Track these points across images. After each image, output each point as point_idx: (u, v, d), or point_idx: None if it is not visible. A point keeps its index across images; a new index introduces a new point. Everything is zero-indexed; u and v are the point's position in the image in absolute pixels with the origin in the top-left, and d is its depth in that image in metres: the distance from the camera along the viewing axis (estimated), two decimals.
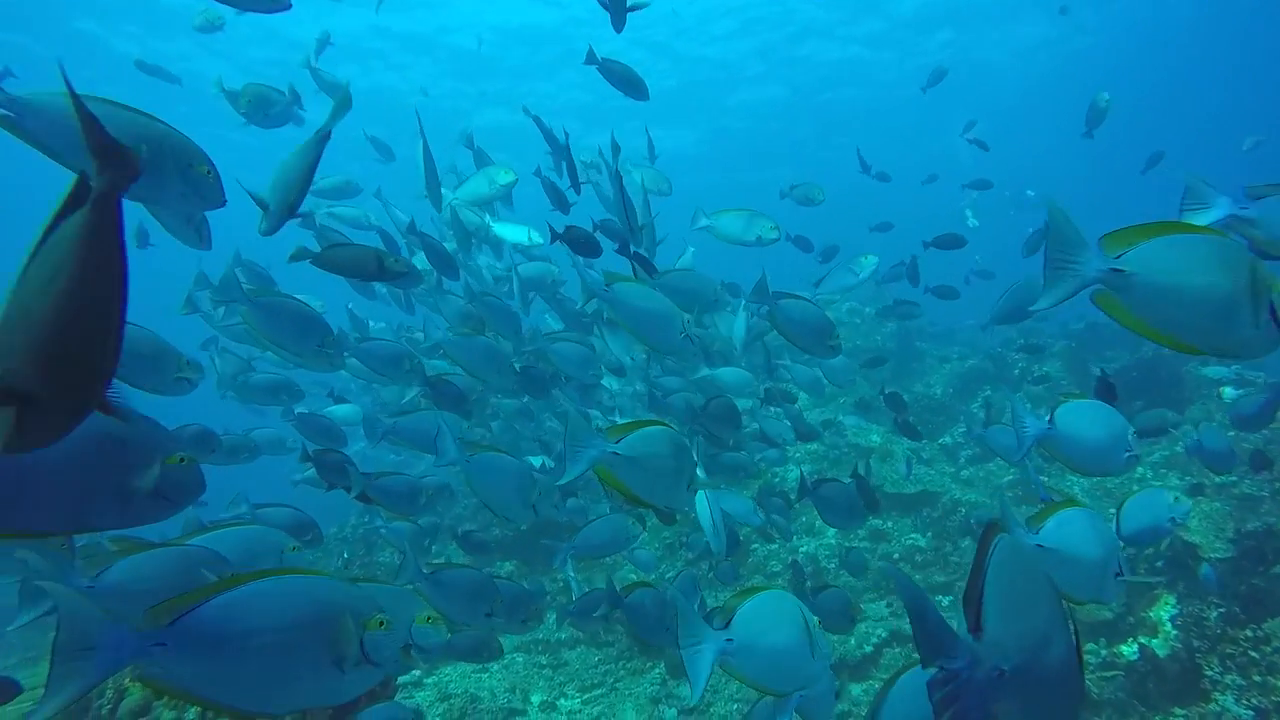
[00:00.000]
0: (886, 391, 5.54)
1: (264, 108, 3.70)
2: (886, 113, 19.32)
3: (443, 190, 4.48)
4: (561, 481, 2.15)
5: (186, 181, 1.89)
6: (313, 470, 3.54)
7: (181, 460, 1.52)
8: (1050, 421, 2.19)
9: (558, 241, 3.22)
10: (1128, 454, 2.20)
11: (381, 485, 2.86)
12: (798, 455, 7.06)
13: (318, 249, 2.93)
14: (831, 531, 6.46)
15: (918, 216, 8.87)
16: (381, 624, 1.42)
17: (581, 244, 3.11)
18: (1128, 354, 8.24)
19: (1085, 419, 2.20)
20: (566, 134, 4.36)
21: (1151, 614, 4.06)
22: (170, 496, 1.48)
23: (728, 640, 1.82)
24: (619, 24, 3.81)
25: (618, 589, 2.94)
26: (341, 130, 2.54)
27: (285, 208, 2.23)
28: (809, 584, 3.57)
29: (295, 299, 3.01)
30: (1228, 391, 7.26)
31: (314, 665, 1.36)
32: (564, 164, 4.24)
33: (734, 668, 1.85)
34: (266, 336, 2.90)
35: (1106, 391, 3.25)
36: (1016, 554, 1.25)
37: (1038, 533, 1.86)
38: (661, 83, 17.60)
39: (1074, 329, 8.98)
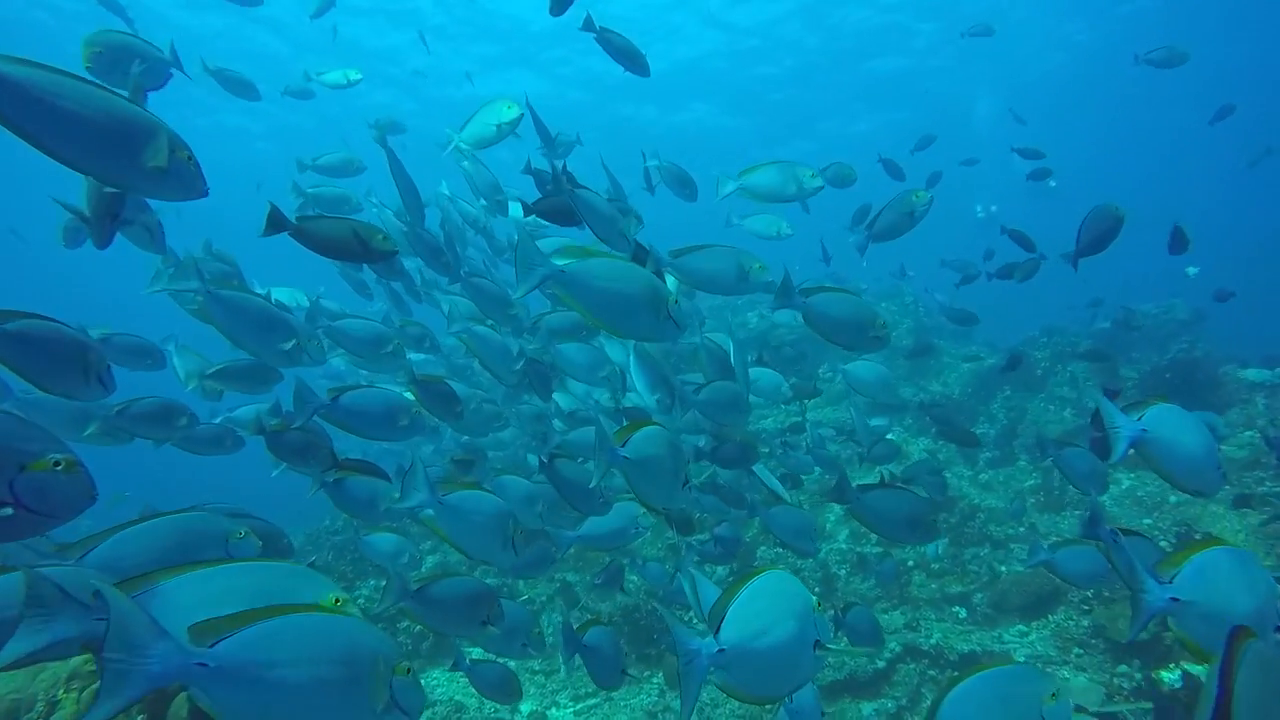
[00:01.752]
0: (925, 402, 5.18)
1: (119, 63, 2.84)
2: (913, 81, 18.70)
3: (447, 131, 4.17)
4: (592, 485, 2.12)
5: (169, 170, 1.78)
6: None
7: (57, 465, 1.24)
8: (1141, 423, 1.91)
9: (531, 214, 2.89)
10: (1220, 470, 1.91)
11: (341, 487, 2.53)
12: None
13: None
14: (843, 534, 6.15)
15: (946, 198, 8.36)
16: (408, 670, 1.41)
17: (556, 214, 2.77)
18: (1156, 354, 7.87)
19: (1180, 425, 1.94)
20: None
21: None
22: (35, 507, 1.20)
23: (719, 651, 1.55)
24: (558, 9, 3.50)
25: (574, 627, 2.66)
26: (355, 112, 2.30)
27: (106, 216, 1.94)
28: (819, 595, 3.20)
29: (260, 296, 2.74)
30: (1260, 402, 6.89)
31: (349, 704, 1.34)
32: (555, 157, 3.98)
33: (729, 684, 1.59)
34: (225, 333, 2.63)
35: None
36: (1273, 668, 0.95)
37: (1171, 581, 1.54)
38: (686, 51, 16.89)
39: (1100, 328, 8.60)
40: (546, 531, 3.35)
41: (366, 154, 6.11)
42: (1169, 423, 1.94)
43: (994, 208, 15.66)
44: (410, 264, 4.62)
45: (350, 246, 2.69)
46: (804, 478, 5.95)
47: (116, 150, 1.70)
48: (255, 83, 6.27)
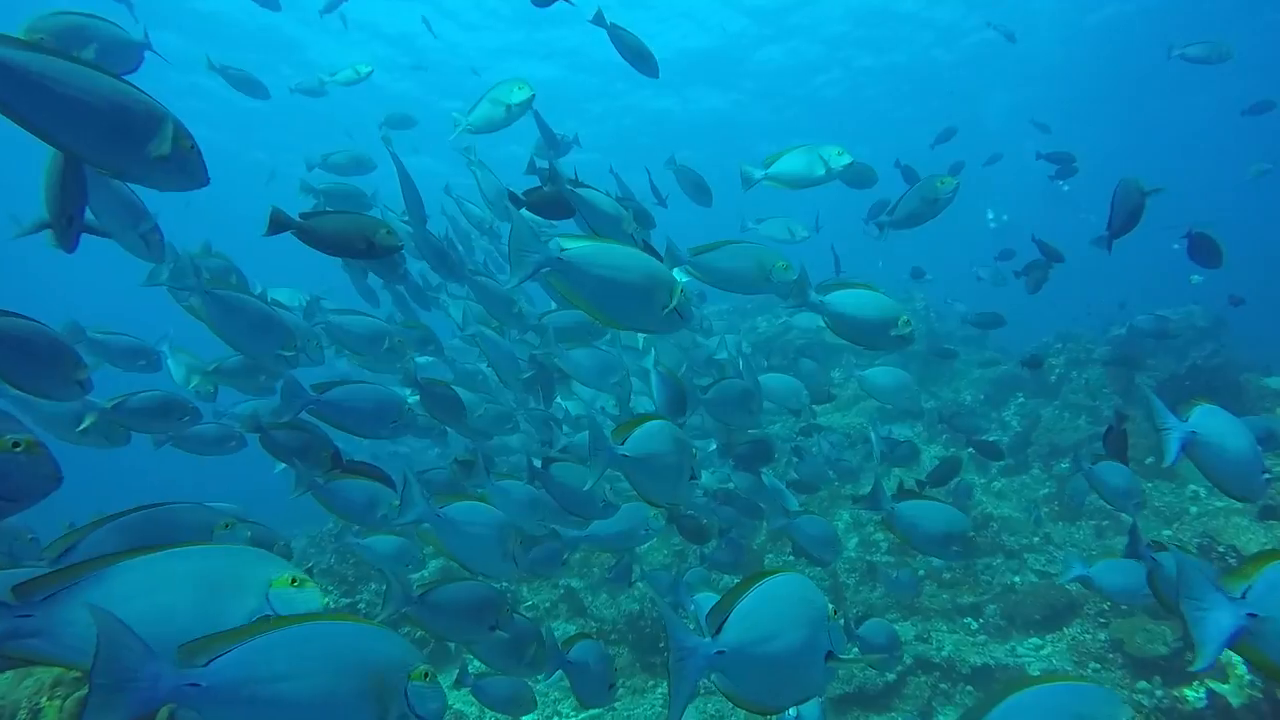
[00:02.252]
0: (945, 411, 5.02)
1: (68, 48, 2.33)
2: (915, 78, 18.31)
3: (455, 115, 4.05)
4: (586, 488, 2.05)
5: (171, 158, 1.74)
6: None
7: (16, 446, 1.17)
8: (1189, 424, 1.84)
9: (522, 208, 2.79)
10: (1266, 475, 1.82)
11: (335, 489, 2.44)
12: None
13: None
14: (853, 542, 6.04)
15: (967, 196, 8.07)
16: (426, 675, 1.34)
17: (548, 207, 2.66)
18: (1174, 361, 7.71)
19: (1226, 427, 1.87)
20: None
21: None
22: None
23: (718, 653, 1.46)
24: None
25: (559, 643, 2.51)
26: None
27: (61, 217, 1.89)
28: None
29: (256, 297, 2.66)
30: None
31: (359, 718, 1.27)
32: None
33: (728, 689, 1.50)
34: (220, 334, 2.56)
35: (1118, 443, 2.87)
36: None
37: (1244, 596, 1.42)
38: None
39: (1115, 334, 8.45)
40: (555, 531, 3.27)
41: (374, 146, 6.07)
42: (1216, 425, 1.86)
43: (1005, 217, 15.30)
44: (416, 267, 4.56)
45: (354, 243, 2.63)
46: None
47: (118, 137, 1.65)
48: (263, 80, 6.25)
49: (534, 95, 3.84)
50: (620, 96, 18.53)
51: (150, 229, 2.58)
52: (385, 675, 1.29)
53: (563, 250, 1.76)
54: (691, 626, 1.53)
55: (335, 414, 2.49)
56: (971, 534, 2.68)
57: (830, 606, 1.61)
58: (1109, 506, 2.92)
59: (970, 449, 5.22)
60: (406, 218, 3.92)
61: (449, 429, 4.09)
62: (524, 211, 2.83)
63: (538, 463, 2.55)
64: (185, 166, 1.77)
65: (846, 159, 3.27)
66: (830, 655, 1.57)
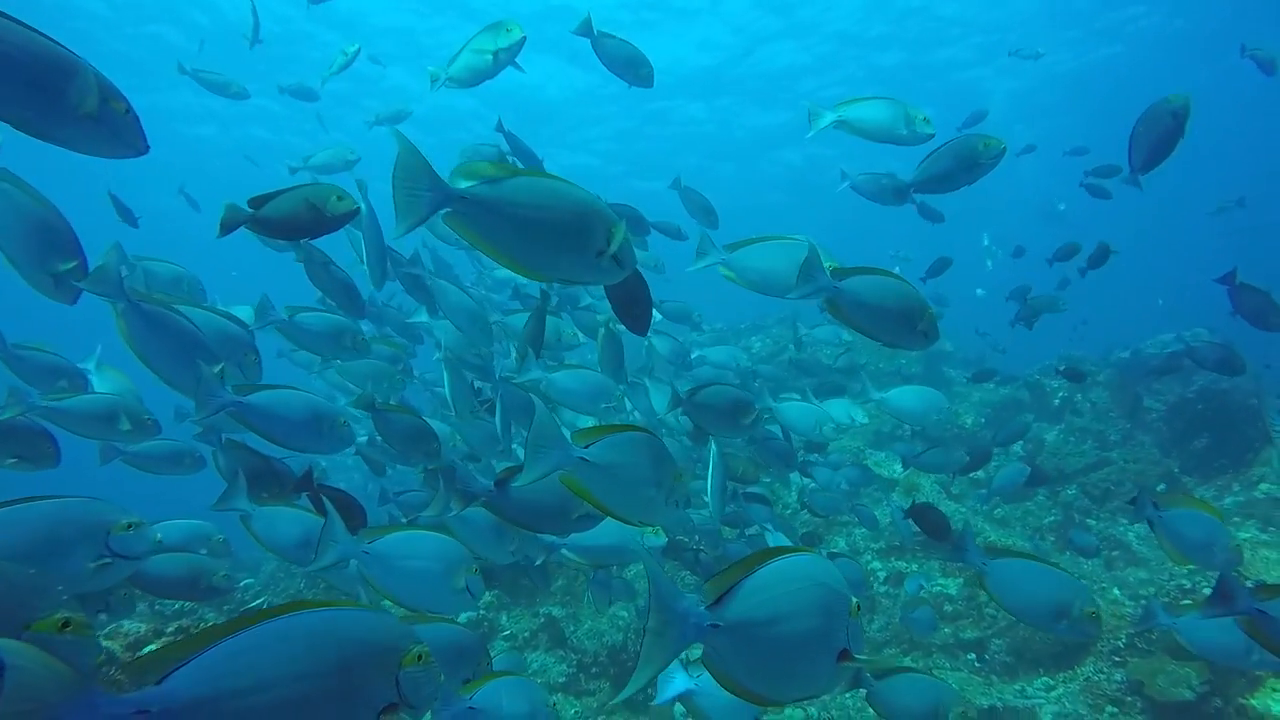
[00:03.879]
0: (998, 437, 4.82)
1: None
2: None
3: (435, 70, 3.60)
4: (517, 484, 1.74)
5: (100, 119, 1.61)
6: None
7: None
8: None
9: None
10: None
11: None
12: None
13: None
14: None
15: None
16: (419, 657, 1.22)
17: None
18: (1180, 385, 7.48)
19: None
20: None
21: (1254, 702, 3.28)
22: None
23: (713, 626, 1.26)
24: None
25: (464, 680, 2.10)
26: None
27: None
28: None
29: (183, 316, 2.30)
30: None
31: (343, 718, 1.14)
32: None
33: (721, 670, 1.30)
34: (138, 351, 2.22)
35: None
36: None
37: None
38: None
39: (1119, 358, 8.23)
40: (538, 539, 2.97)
41: (349, 134, 5.87)
42: None
43: (999, 251, 14.84)
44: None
45: (303, 220, 2.38)
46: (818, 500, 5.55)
47: (36, 92, 1.52)
48: (242, 80, 6.09)
49: (525, 38, 3.39)
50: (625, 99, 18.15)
51: (71, 269, 2.18)
52: (373, 668, 1.17)
53: (469, 186, 1.40)
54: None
55: (258, 420, 2.18)
56: (1094, 609, 2.20)
57: (854, 601, 1.40)
58: (1192, 565, 2.48)
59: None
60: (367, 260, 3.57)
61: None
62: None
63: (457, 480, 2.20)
64: (117, 130, 1.63)
65: (932, 129, 2.87)
66: (845, 654, 1.37)
